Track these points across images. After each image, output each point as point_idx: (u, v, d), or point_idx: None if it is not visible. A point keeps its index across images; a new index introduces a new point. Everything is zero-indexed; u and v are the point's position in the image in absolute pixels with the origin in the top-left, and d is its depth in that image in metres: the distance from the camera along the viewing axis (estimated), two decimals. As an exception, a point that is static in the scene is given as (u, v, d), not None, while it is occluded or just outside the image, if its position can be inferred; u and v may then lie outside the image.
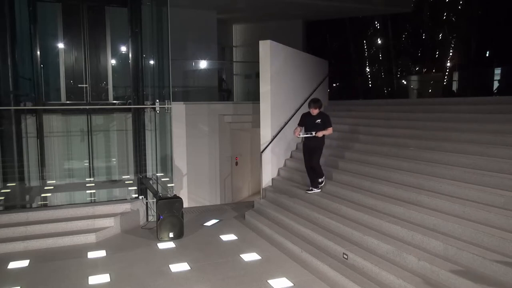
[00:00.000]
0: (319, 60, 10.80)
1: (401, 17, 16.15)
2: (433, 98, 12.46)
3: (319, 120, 7.26)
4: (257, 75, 9.01)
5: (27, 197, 8.82)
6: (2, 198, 8.29)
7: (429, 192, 5.87)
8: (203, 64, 12.44)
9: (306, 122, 7.42)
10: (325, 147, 8.71)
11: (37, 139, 9.01)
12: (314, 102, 7.29)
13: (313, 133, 7.16)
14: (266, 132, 8.73)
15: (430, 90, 16.81)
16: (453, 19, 16.36)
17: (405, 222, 5.54)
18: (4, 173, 8.63)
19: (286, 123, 9.01)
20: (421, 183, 6.16)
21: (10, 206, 8.03)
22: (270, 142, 8.65)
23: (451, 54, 16.43)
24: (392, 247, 5.16)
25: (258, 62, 8.65)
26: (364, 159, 7.71)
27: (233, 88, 13.20)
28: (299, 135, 7.36)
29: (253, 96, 10.07)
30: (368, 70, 17.84)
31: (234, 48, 14.99)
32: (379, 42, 17.60)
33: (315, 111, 7.27)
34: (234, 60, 14.80)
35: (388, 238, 5.41)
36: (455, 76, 16.29)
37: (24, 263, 6.16)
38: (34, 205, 8.28)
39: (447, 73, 16.48)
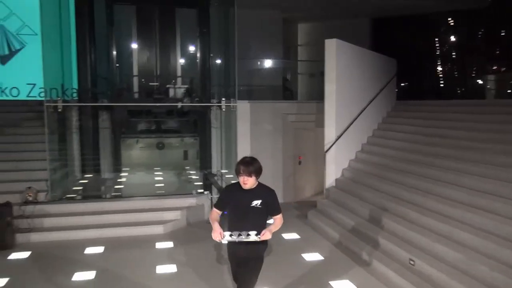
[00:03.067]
0: (386, 59, 10.49)
1: (477, 13, 15.24)
2: (512, 99, 11.63)
3: (258, 202, 3.75)
4: (322, 74, 8.94)
5: (102, 188, 9.44)
6: (81, 188, 8.94)
7: (507, 200, 5.50)
8: (267, 63, 12.54)
9: (234, 203, 3.84)
10: (387, 149, 8.45)
11: (111, 134, 9.60)
12: (246, 165, 3.70)
13: (250, 234, 3.64)
14: (330, 132, 8.64)
15: (509, 91, 15.68)
16: (536, 13, 15.17)
17: (478, 230, 5.25)
18: (82, 165, 9.29)
19: (351, 124, 8.86)
20: (497, 189, 5.78)
21: (88, 196, 8.63)
22: (335, 142, 8.55)
23: (533, 51, 15.25)
24: (462, 255, 4.92)
25: (323, 61, 8.57)
26: (431, 162, 7.32)
27: (297, 87, 13.18)
28: (222, 238, 3.66)
29: (317, 95, 9.99)
30: (440, 69, 17.04)
31: (299, 47, 14.94)
32: (452, 39, 16.74)
33: (248, 181, 3.71)
34: (298, 59, 14.76)
35: (458, 246, 5.15)
36: (538, 75, 15.11)
37: (99, 249, 6.61)
38: (108, 195, 8.83)
39: (528, 72, 15.32)
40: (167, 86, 10.28)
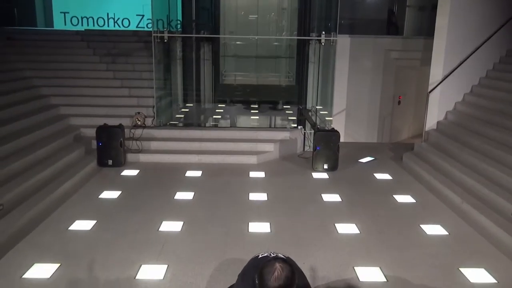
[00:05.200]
0: (514, -11, 9.16)
1: None
2: None
3: None
4: (434, 7, 8.14)
5: (202, 117, 9.97)
6: (182, 116, 9.54)
7: None
8: (373, -6, 11.72)
9: None
10: (502, 93, 7.65)
11: (212, 65, 9.92)
12: None
13: None
14: (437, 71, 7.99)
15: None
16: None
17: None
18: (184, 94, 9.84)
19: (461, 63, 8.08)
20: None
21: (189, 123, 9.20)
22: (440, 82, 7.92)
23: None
24: None
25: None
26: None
27: (404, 21, 12.22)
28: None
29: (426, 31, 9.20)
30: None
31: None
32: None
33: None
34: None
35: None
36: None
37: (198, 173, 7.13)
38: (207, 124, 9.33)
39: None
40: (268, 18, 10.15)
